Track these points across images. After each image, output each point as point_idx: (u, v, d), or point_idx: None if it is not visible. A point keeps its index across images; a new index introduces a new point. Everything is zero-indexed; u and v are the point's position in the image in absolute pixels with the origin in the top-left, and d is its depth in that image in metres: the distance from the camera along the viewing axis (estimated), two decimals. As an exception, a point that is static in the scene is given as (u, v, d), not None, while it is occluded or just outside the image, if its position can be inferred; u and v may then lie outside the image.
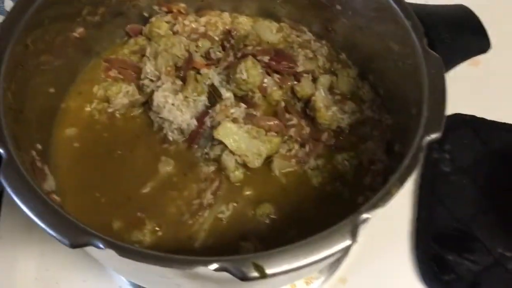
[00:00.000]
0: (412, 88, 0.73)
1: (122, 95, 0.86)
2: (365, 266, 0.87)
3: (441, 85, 0.68)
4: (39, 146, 0.75)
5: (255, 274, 0.52)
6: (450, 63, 0.75)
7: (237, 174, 0.78)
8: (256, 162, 0.78)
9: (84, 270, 0.84)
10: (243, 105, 0.84)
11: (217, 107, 0.82)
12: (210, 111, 0.82)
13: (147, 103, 0.86)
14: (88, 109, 0.86)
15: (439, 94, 0.67)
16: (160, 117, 0.83)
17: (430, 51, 0.71)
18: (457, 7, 0.84)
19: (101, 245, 0.53)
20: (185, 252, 0.55)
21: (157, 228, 0.74)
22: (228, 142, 0.77)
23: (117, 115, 0.86)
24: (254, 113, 0.85)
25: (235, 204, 0.77)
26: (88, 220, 0.57)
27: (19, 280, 0.83)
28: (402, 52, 0.77)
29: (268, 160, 0.80)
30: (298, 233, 0.63)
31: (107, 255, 0.55)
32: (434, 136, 0.63)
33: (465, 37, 0.78)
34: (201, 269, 0.52)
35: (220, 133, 0.77)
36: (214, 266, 0.51)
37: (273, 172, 0.80)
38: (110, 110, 0.86)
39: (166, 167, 0.80)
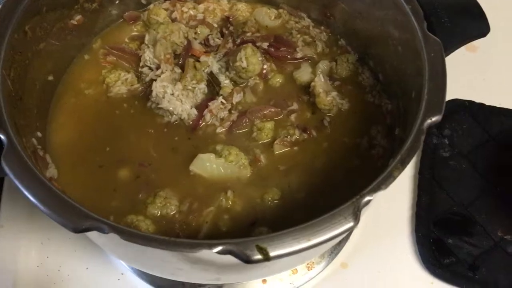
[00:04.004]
0: (412, 72, 0.73)
1: (121, 82, 0.86)
2: (365, 251, 0.87)
3: (441, 68, 0.68)
4: (39, 134, 0.76)
5: (259, 256, 0.52)
6: (450, 46, 0.75)
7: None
8: (244, 173, 0.78)
9: (86, 257, 0.85)
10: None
11: (216, 103, 0.82)
12: (209, 104, 0.82)
13: (146, 93, 0.85)
14: (86, 94, 0.86)
15: (439, 77, 0.67)
16: (160, 107, 0.82)
17: (430, 34, 0.71)
18: (455, -9, 0.83)
19: (105, 230, 0.53)
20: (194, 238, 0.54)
21: (163, 214, 0.74)
22: (206, 174, 0.77)
23: (116, 101, 0.85)
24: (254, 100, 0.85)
25: (242, 190, 0.76)
26: (90, 208, 0.57)
27: (22, 268, 0.83)
28: (401, 37, 0.77)
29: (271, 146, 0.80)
30: (305, 216, 0.63)
31: (110, 240, 0.55)
32: (434, 118, 0.63)
33: (465, 20, 0.78)
34: (205, 252, 0.52)
35: (197, 167, 0.77)
36: (218, 248, 0.52)
37: (276, 157, 0.80)
38: (109, 95, 0.85)
39: (169, 153, 0.79)
